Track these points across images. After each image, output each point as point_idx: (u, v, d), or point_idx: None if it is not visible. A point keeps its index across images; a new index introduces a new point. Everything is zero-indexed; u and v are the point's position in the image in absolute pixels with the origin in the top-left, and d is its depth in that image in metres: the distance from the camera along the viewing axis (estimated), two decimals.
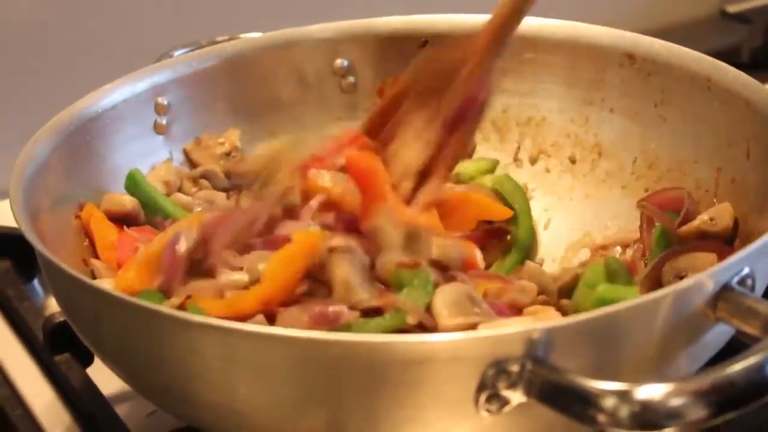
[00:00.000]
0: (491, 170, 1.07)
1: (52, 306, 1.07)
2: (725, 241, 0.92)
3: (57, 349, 0.98)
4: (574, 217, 1.07)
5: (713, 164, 0.98)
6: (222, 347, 0.73)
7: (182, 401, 0.78)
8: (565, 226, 1.06)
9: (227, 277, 0.86)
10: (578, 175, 1.08)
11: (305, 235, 0.87)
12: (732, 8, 1.65)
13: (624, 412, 0.66)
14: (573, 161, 1.09)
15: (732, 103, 0.96)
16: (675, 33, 1.57)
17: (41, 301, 1.10)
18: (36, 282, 1.11)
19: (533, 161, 1.10)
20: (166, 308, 0.78)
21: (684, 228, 0.94)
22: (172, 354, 0.75)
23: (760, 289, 0.79)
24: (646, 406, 0.66)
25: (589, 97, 1.07)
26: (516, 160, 1.10)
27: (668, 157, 1.02)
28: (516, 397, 0.70)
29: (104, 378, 0.94)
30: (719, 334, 0.78)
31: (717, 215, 0.93)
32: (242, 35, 1.10)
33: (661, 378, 0.68)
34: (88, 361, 0.97)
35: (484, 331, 0.71)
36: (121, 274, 0.89)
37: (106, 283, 0.87)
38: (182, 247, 0.86)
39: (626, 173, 1.05)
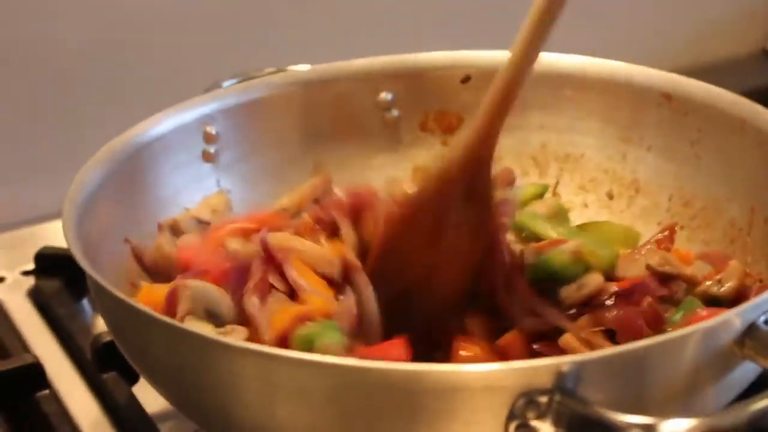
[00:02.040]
0: (541, 195, 1.09)
1: (100, 325, 1.08)
2: (731, 302, 0.92)
3: (104, 367, 1.00)
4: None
5: (747, 204, 1.00)
6: (262, 371, 0.75)
7: (224, 423, 0.81)
8: None
9: None
10: (615, 211, 1.09)
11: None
12: None
13: None
14: (611, 197, 1.10)
15: (766, 144, 0.98)
16: (716, 71, 1.58)
17: (90, 319, 1.12)
18: (85, 301, 1.14)
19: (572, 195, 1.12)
20: (209, 333, 0.81)
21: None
22: (215, 377, 0.77)
23: None
24: None
25: (627, 135, 1.09)
26: (555, 194, 1.12)
27: (703, 196, 1.04)
28: (545, 428, 0.71)
29: (149, 396, 0.97)
30: (746, 372, 0.80)
31: (725, 277, 0.94)
32: (290, 67, 1.12)
33: (687, 413, 0.70)
34: (134, 380, 0.99)
35: (516, 363, 0.73)
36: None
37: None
38: None
39: (662, 210, 1.07)
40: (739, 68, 1.63)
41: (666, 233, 1.02)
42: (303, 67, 1.12)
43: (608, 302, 0.90)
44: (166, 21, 1.32)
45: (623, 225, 1.07)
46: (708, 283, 0.94)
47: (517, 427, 0.72)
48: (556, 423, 0.71)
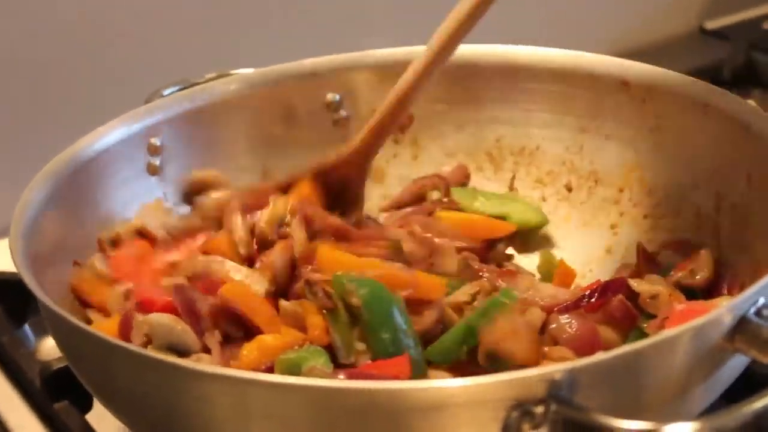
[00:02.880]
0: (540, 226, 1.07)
1: (45, 351, 1.06)
2: (705, 290, 0.93)
3: (55, 396, 0.97)
4: (571, 247, 1.07)
5: (712, 190, 0.98)
6: (235, 397, 0.72)
7: None
8: (563, 256, 1.05)
9: None
10: (575, 203, 1.08)
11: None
12: (711, 25, 1.66)
13: None
14: (569, 189, 1.08)
15: (730, 128, 0.96)
16: (653, 52, 1.57)
17: (33, 345, 1.09)
18: (27, 327, 1.10)
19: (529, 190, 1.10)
20: (176, 359, 0.78)
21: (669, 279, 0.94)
22: (184, 404, 0.74)
23: None
24: None
25: (584, 125, 1.07)
26: (512, 189, 1.10)
27: (666, 183, 1.02)
28: None
29: (104, 425, 0.95)
30: (735, 366, 0.78)
31: (697, 266, 0.93)
32: (232, 71, 1.10)
33: (680, 412, 0.70)
34: (87, 408, 0.97)
35: (506, 374, 0.70)
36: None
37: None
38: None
39: (624, 200, 1.05)
40: (676, 48, 1.62)
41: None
42: (246, 71, 1.09)
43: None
44: (101, 31, 1.29)
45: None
46: (681, 273, 0.93)
47: None
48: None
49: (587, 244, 1.06)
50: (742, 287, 0.87)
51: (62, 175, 0.95)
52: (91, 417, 0.96)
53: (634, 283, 0.91)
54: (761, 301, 0.76)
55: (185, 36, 1.33)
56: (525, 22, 1.40)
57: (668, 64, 1.04)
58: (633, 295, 0.91)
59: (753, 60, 1.52)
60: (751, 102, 1.05)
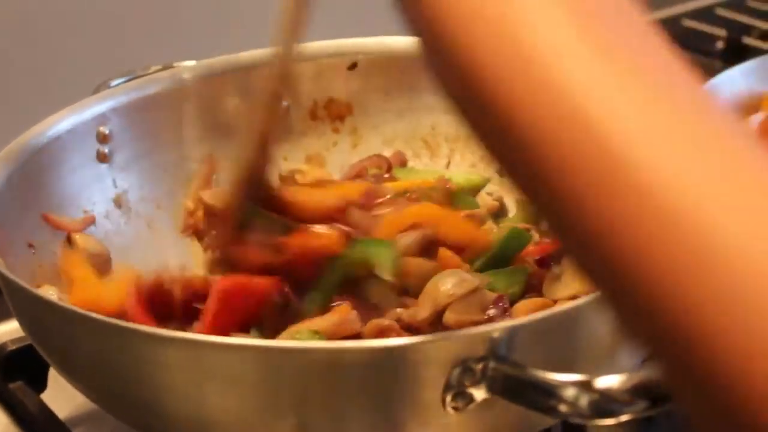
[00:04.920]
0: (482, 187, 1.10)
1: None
2: None
3: (10, 377, 0.99)
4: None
5: None
6: (190, 360, 0.76)
7: (154, 416, 0.80)
8: None
9: None
10: (508, 187, 1.12)
11: None
12: None
13: (584, 401, 0.70)
14: (502, 174, 1.12)
15: None
16: None
17: None
18: None
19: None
20: (134, 324, 0.81)
21: None
22: (144, 369, 0.77)
23: None
24: (606, 395, 0.70)
25: None
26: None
27: None
28: (480, 394, 0.73)
29: (59, 403, 0.97)
30: None
31: None
32: (176, 64, 1.12)
33: (614, 369, 0.72)
34: (42, 388, 0.99)
35: (450, 333, 0.75)
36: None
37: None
38: None
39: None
40: None
41: None
42: (189, 63, 1.12)
43: None
44: (50, 22, 1.31)
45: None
46: None
47: (454, 396, 0.74)
48: (491, 388, 0.73)
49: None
50: None
51: (15, 162, 0.96)
52: (45, 396, 0.99)
53: None
54: None
55: (131, 30, 1.35)
56: None
57: None
58: None
59: None
60: None
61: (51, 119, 1.02)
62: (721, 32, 1.61)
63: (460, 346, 0.73)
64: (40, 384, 0.99)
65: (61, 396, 0.96)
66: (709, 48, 1.58)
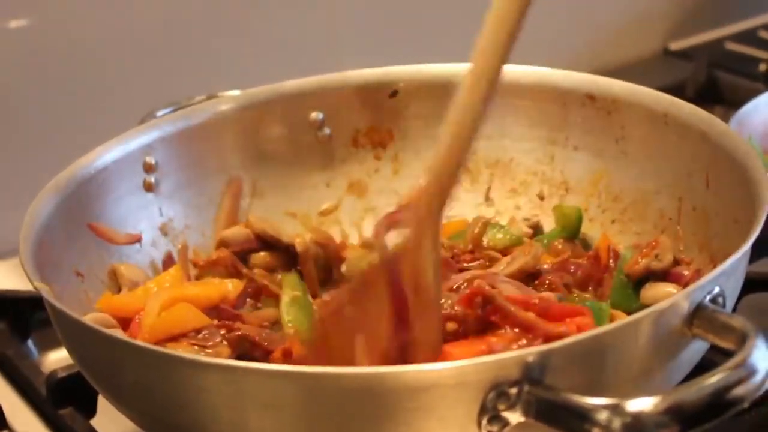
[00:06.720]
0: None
1: (49, 363, 1.11)
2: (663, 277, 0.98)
3: (61, 403, 1.01)
4: None
5: (674, 194, 1.04)
6: (229, 385, 0.77)
7: None
8: None
9: None
10: (547, 211, 1.13)
11: None
12: (675, 46, 1.72)
13: (617, 424, 0.71)
14: (542, 198, 1.14)
15: (688, 136, 1.02)
16: (621, 71, 1.62)
17: (36, 358, 1.13)
18: (30, 341, 1.15)
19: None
20: (176, 351, 0.83)
21: (635, 267, 0.98)
22: (185, 395, 0.79)
23: (730, 306, 0.85)
24: (637, 418, 0.71)
25: (554, 136, 1.12)
26: (488, 199, 1.16)
27: (632, 190, 1.08)
28: (515, 417, 0.74)
29: (108, 428, 0.99)
30: (695, 350, 0.84)
31: (661, 252, 0.98)
32: (220, 94, 1.14)
33: (644, 392, 0.73)
34: (92, 413, 1.01)
35: (485, 357, 0.75)
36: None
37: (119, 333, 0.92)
38: None
39: (593, 206, 1.10)
40: (642, 68, 1.67)
41: None
42: (233, 93, 1.14)
43: None
44: (99, 59, 1.34)
45: None
46: (646, 260, 0.97)
47: (489, 420, 0.75)
48: (526, 412, 0.74)
49: None
50: None
51: (64, 192, 0.99)
52: (95, 422, 1.00)
53: None
54: (716, 289, 0.81)
55: (176, 61, 1.37)
56: None
57: (635, 83, 1.09)
58: None
59: (714, 78, 1.58)
60: None
61: (98, 150, 1.04)
62: (763, 54, 1.61)
63: (495, 370, 0.74)
64: (90, 410, 1.01)
65: (111, 422, 0.97)
66: (751, 70, 1.59)
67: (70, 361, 0.94)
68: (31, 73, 1.31)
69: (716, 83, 1.58)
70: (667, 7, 1.72)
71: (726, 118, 1.12)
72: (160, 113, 1.11)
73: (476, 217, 1.10)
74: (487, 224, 1.07)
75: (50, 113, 1.32)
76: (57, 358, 1.08)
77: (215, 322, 0.94)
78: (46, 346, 1.14)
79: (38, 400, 1.05)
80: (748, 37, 1.69)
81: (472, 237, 1.06)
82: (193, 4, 1.38)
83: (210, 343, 0.91)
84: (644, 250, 0.99)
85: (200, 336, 0.92)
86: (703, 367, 0.85)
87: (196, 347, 0.91)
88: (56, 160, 1.02)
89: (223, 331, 0.93)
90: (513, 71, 1.12)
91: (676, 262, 0.99)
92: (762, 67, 1.59)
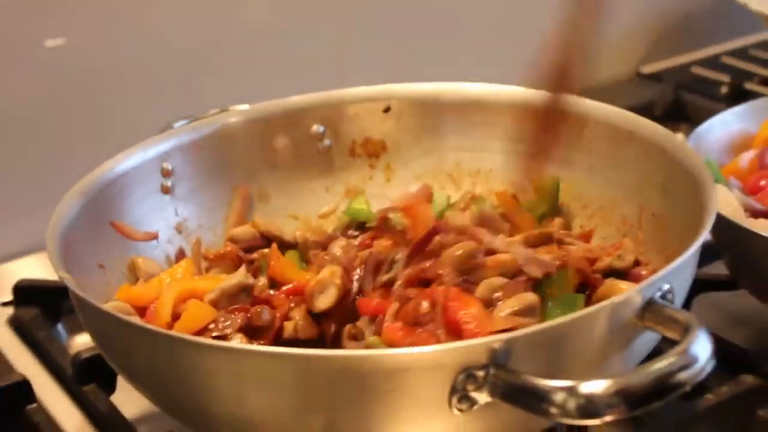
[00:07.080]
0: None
1: (76, 345, 1.14)
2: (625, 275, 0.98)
3: (84, 380, 1.03)
4: None
5: (636, 202, 1.05)
6: (233, 365, 0.79)
7: (201, 415, 0.84)
8: None
9: None
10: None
11: None
12: (646, 69, 1.73)
13: (571, 404, 0.73)
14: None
15: (650, 150, 1.04)
16: (596, 92, 1.63)
17: (65, 341, 1.16)
18: (60, 325, 1.17)
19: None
20: (184, 335, 0.84)
21: (599, 265, 0.98)
22: (191, 374, 0.81)
23: (679, 302, 0.86)
24: (590, 399, 0.73)
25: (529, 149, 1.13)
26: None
27: (598, 198, 1.09)
28: (482, 397, 0.76)
29: (127, 403, 1.01)
30: (648, 340, 0.85)
31: (623, 252, 0.99)
32: (231, 107, 1.15)
33: (601, 377, 0.74)
34: (112, 390, 1.03)
35: (456, 343, 0.77)
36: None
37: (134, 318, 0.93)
38: None
39: (563, 213, 1.11)
40: (616, 89, 1.67)
41: None
42: (243, 107, 1.15)
43: None
44: (122, 76, 1.36)
45: None
46: (609, 258, 0.98)
47: (459, 399, 0.77)
48: (492, 392, 0.76)
49: None
50: None
51: (88, 193, 1.00)
52: (115, 398, 1.02)
53: None
54: (666, 286, 0.83)
55: (192, 79, 1.39)
56: (480, 63, 1.47)
57: (610, 102, 1.10)
58: None
59: (681, 99, 1.60)
60: (679, 134, 1.12)
61: (120, 156, 1.05)
62: (725, 78, 1.63)
63: (464, 355, 0.76)
64: (111, 387, 1.03)
65: (129, 398, 0.99)
66: (714, 92, 1.60)
67: (93, 344, 0.96)
68: (65, 87, 1.32)
69: (683, 103, 1.59)
70: (640, 33, 1.73)
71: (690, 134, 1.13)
72: (177, 124, 1.12)
73: (464, 192, 1.13)
74: (473, 198, 1.10)
75: (79, 123, 1.33)
76: (84, 341, 1.10)
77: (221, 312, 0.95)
78: (75, 330, 1.16)
79: (65, 378, 1.07)
80: (712, 62, 1.70)
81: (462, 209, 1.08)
82: (207, 30, 1.40)
83: (228, 331, 0.93)
84: (608, 250, 1.00)
85: (220, 326, 0.93)
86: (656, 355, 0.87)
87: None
88: (84, 164, 1.04)
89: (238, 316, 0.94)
90: (493, 91, 1.14)
91: (637, 263, 1.00)
92: (723, 89, 1.60)
